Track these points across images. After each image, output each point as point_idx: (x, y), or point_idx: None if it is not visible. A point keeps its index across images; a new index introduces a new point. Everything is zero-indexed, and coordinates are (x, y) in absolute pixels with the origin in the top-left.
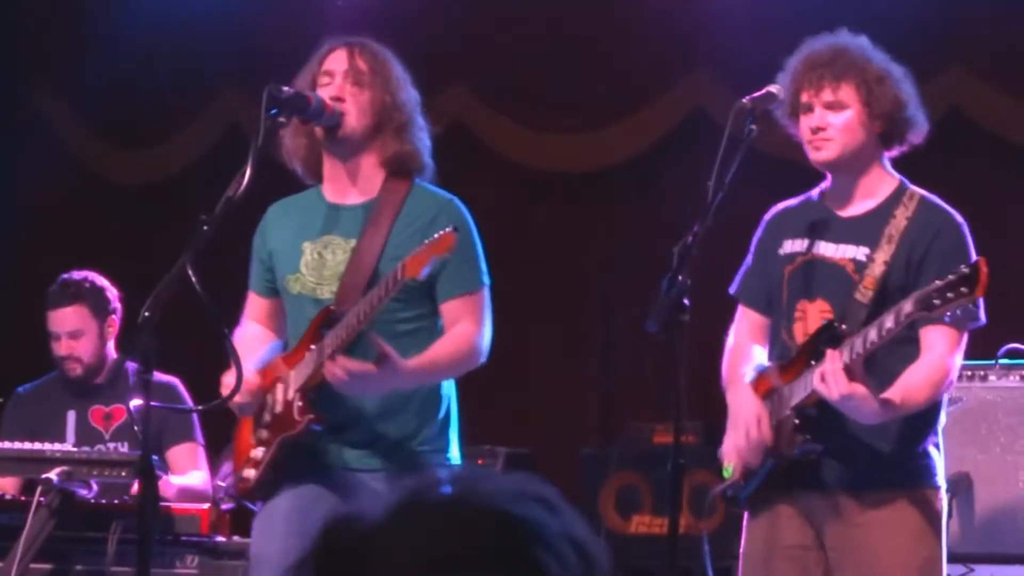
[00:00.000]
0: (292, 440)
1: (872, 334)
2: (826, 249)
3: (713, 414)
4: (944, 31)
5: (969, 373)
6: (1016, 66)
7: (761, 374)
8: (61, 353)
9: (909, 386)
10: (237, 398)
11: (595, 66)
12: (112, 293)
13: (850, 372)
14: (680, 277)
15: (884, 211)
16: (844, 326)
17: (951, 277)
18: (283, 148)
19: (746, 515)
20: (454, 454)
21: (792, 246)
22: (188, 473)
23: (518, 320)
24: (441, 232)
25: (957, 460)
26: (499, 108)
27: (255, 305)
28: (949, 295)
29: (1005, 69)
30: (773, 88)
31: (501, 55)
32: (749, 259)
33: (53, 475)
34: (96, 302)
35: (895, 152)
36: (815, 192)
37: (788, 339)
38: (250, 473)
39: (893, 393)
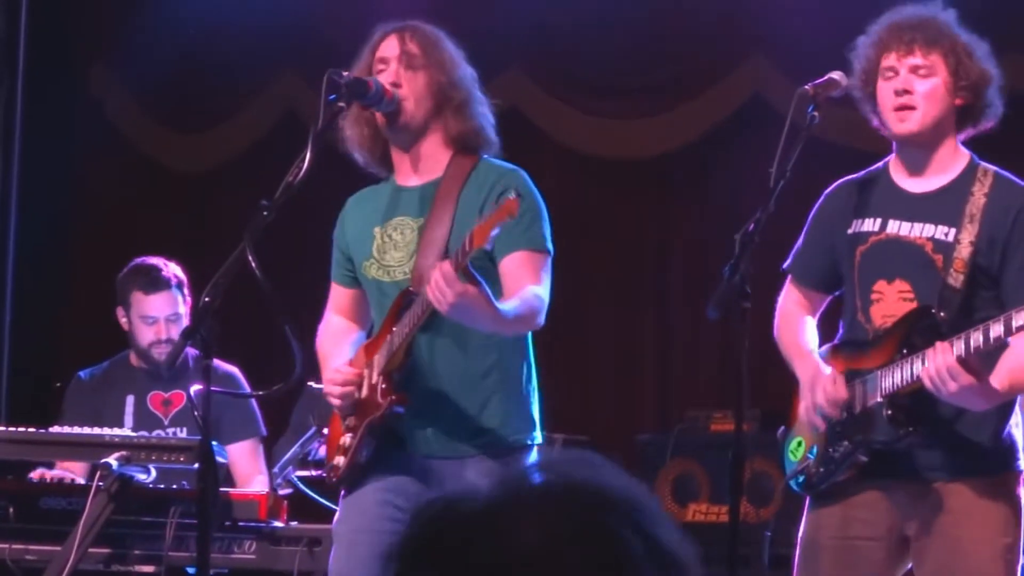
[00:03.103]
0: (378, 423)
1: (997, 329)
2: (900, 228)
3: (771, 402)
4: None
5: None
6: None
7: (833, 355)
8: (159, 337)
9: (1014, 370)
10: (335, 400)
11: (652, 52)
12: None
13: (966, 364)
14: (742, 264)
15: (959, 188)
16: (943, 313)
17: None
18: (345, 138)
19: (808, 500)
20: (537, 436)
21: (862, 225)
22: (252, 481)
23: (575, 305)
24: (505, 198)
25: None
26: (554, 94)
27: (338, 296)
28: None
29: None
30: (835, 75)
31: (557, 40)
32: (805, 234)
33: (112, 460)
34: (183, 287)
35: (965, 134)
36: (879, 166)
37: (865, 321)
38: (339, 460)
39: (1000, 379)
